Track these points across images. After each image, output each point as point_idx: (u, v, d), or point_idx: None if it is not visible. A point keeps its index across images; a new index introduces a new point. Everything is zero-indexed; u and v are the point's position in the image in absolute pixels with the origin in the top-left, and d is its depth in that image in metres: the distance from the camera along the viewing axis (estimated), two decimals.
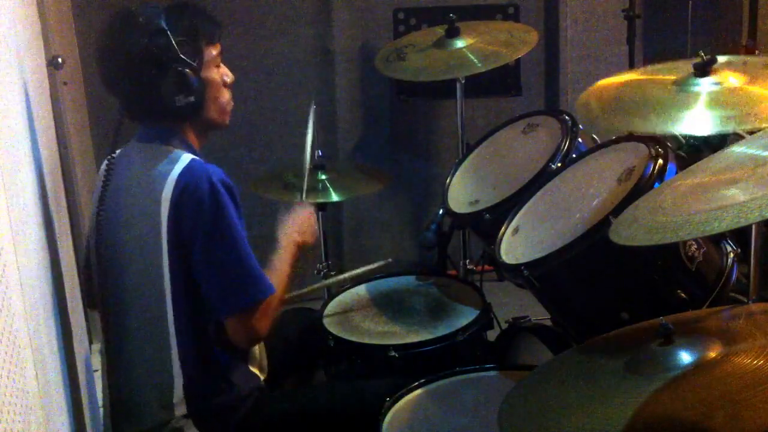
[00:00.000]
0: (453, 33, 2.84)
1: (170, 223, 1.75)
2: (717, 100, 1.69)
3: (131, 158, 1.89)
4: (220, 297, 1.78)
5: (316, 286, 2.34)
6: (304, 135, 2.50)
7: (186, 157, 1.80)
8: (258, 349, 1.97)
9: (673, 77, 1.81)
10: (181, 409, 1.80)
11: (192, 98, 1.79)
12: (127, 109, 1.85)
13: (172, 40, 1.75)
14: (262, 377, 1.96)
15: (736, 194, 1.23)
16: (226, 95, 1.91)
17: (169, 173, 1.77)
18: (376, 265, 2.41)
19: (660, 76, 1.84)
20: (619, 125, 1.84)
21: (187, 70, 1.77)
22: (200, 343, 1.82)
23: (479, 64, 2.74)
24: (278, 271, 1.92)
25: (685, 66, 1.82)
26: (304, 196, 2.34)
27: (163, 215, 1.75)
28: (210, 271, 1.76)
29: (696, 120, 1.69)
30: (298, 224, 2.05)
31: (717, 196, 1.26)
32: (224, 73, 1.90)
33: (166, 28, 1.75)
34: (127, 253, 1.83)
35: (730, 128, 1.62)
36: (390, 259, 2.45)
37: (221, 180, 1.77)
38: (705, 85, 1.75)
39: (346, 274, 2.41)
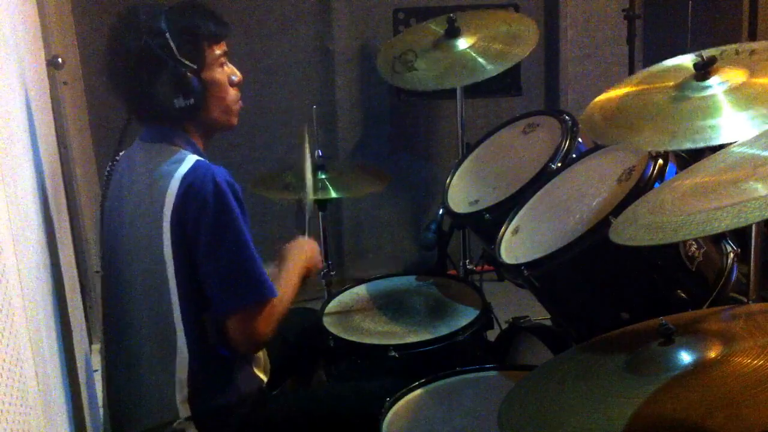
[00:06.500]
0: (453, 33, 2.83)
1: (174, 223, 1.74)
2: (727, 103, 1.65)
3: (134, 158, 1.88)
4: (221, 295, 1.77)
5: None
6: (302, 155, 2.43)
7: (191, 158, 1.79)
8: (261, 351, 1.97)
9: (672, 82, 1.77)
10: (184, 411, 1.80)
11: (191, 100, 1.78)
12: (130, 109, 1.85)
13: (170, 41, 1.74)
14: (265, 379, 1.96)
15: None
16: (232, 95, 1.89)
17: (173, 173, 1.76)
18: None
19: (660, 84, 1.80)
20: (624, 141, 1.80)
21: (186, 72, 1.76)
22: (206, 344, 1.81)
23: (488, 67, 2.69)
24: (286, 281, 1.90)
25: (686, 66, 1.79)
26: (307, 231, 2.23)
27: (166, 215, 1.74)
28: (213, 269, 1.75)
29: (714, 129, 1.60)
30: (307, 253, 2.04)
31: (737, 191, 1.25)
32: (231, 73, 1.88)
33: (165, 28, 1.74)
34: (131, 253, 1.83)
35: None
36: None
37: (226, 180, 1.75)
38: (708, 89, 1.70)
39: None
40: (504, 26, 2.86)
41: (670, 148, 1.79)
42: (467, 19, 2.88)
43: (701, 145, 1.58)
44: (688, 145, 1.60)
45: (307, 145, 2.40)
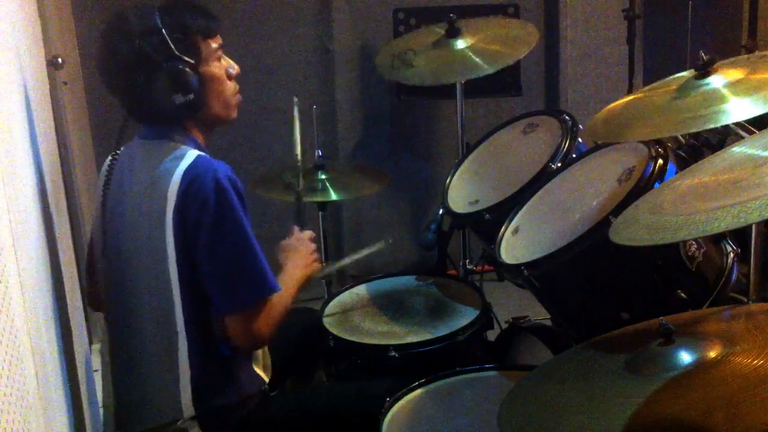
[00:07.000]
0: (453, 33, 2.84)
1: (176, 220, 1.73)
2: (721, 93, 1.68)
3: (135, 156, 1.88)
4: (221, 296, 1.77)
5: (325, 272, 2.28)
6: (292, 137, 2.40)
7: (192, 153, 1.78)
8: (261, 350, 1.97)
9: (674, 86, 1.80)
10: (188, 411, 1.79)
11: (191, 96, 1.77)
12: (130, 110, 1.85)
13: (167, 38, 1.73)
14: (267, 378, 1.95)
15: None
16: (230, 88, 1.88)
17: (175, 169, 1.75)
18: (375, 248, 2.31)
19: (663, 89, 1.83)
20: (623, 136, 1.81)
21: (185, 68, 1.75)
22: (209, 343, 1.81)
23: (486, 66, 2.73)
24: (285, 287, 1.88)
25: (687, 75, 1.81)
26: (300, 219, 2.21)
27: (168, 212, 1.73)
28: (212, 269, 1.75)
29: (704, 115, 1.65)
30: (304, 257, 2.04)
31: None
32: (228, 66, 1.88)
33: (161, 26, 1.73)
34: (133, 252, 1.82)
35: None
36: (390, 240, 2.33)
37: (227, 176, 1.75)
38: (707, 84, 1.73)
39: (347, 259, 2.34)
40: (504, 30, 2.91)
41: (677, 134, 1.81)
42: (467, 23, 2.91)
43: (709, 126, 1.62)
44: (695, 129, 1.62)
45: (297, 134, 2.37)
